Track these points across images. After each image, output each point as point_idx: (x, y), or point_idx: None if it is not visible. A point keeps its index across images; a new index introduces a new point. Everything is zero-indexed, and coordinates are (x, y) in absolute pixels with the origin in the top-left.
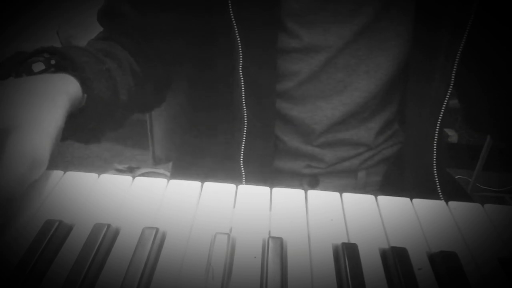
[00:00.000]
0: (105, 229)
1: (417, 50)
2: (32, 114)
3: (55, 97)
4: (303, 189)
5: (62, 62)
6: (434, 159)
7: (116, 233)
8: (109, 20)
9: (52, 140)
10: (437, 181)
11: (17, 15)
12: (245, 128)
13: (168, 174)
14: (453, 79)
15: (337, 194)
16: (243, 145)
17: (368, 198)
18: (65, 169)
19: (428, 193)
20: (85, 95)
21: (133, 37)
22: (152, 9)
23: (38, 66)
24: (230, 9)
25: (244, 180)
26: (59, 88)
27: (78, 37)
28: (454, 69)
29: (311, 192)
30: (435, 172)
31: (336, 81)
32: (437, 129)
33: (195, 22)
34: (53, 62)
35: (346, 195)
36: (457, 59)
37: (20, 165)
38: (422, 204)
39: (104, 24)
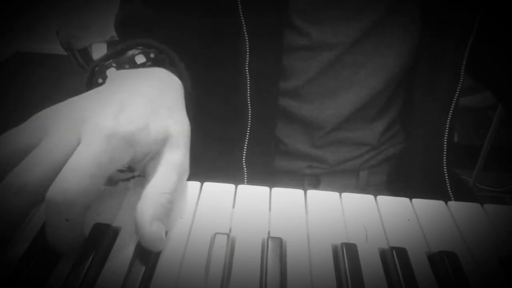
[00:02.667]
0: (105, 229)
1: (425, 47)
2: (179, 125)
3: (181, 98)
4: (304, 189)
5: (160, 56)
6: (445, 158)
7: (116, 233)
8: (133, 29)
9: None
10: (447, 181)
11: (17, 15)
12: (249, 127)
13: None
14: (462, 73)
15: (336, 194)
16: (246, 144)
17: (368, 198)
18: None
19: (436, 192)
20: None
21: (162, 43)
22: (168, 10)
23: (140, 59)
24: (240, 7)
25: (246, 180)
26: (179, 86)
27: (78, 38)
28: (464, 63)
29: (310, 192)
30: (445, 171)
31: (344, 79)
32: (447, 127)
33: (205, 22)
34: (152, 55)
35: (345, 195)
36: (467, 52)
37: (176, 179)
38: (422, 204)
39: (127, 34)
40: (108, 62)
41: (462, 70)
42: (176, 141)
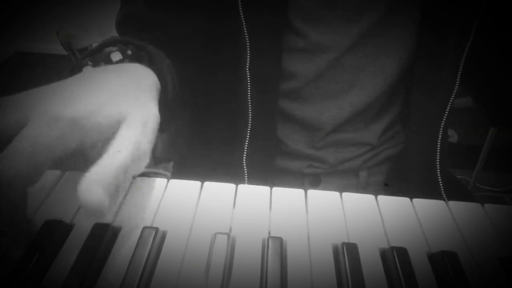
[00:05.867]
0: (105, 228)
1: (423, 49)
2: (138, 110)
3: (152, 91)
4: (304, 188)
5: (137, 52)
6: (438, 159)
7: (116, 232)
8: (133, 28)
9: (154, 136)
10: (440, 181)
11: (17, 15)
12: (249, 127)
13: (168, 174)
14: (459, 75)
15: (337, 193)
16: (246, 144)
17: (368, 198)
18: (65, 169)
19: (431, 192)
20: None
21: (162, 43)
22: (170, 10)
23: (116, 56)
24: (240, 9)
25: (246, 180)
26: (152, 80)
27: (78, 38)
28: (461, 67)
29: (311, 192)
30: (438, 172)
31: (343, 81)
32: (441, 129)
33: (206, 23)
34: (129, 52)
35: (346, 194)
36: (464, 55)
37: (126, 156)
38: (422, 204)
39: (127, 33)
40: (85, 60)
41: (460, 71)
42: (130, 124)
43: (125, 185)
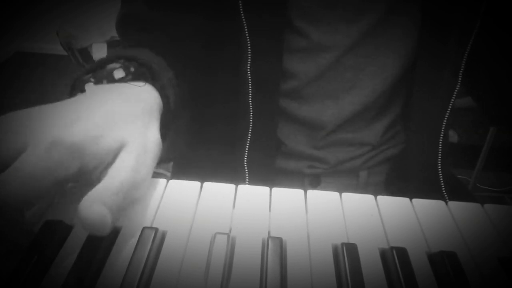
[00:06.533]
0: None
1: (424, 49)
2: (139, 135)
3: (153, 112)
4: (304, 188)
5: (140, 69)
6: (439, 159)
7: (116, 233)
8: (133, 29)
9: (155, 160)
10: (441, 181)
11: (17, 15)
12: (250, 128)
13: (168, 174)
14: (461, 74)
15: (336, 194)
16: (247, 144)
17: (368, 198)
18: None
19: (431, 192)
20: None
21: (162, 43)
22: (170, 10)
23: (119, 73)
24: (241, 8)
25: (247, 180)
26: (154, 101)
27: (78, 38)
28: (462, 67)
29: (310, 192)
30: (440, 172)
31: (344, 80)
32: (442, 129)
33: (207, 23)
34: (132, 69)
35: (345, 195)
36: (465, 55)
37: (124, 179)
38: (422, 204)
39: (127, 34)
40: (87, 77)
41: (461, 71)
42: (130, 149)
43: (125, 208)
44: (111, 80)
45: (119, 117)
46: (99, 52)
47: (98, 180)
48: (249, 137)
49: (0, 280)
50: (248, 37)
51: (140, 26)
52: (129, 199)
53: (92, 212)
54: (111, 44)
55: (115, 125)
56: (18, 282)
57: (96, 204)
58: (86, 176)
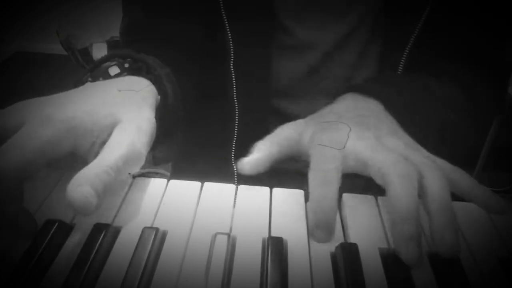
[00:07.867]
0: (105, 229)
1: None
2: (133, 113)
3: (148, 98)
4: (304, 189)
5: (135, 64)
6: None
7: (116, 233)
8: (135, 36)
9: (149, 138)
10: None
11: (17, 15)
12: (236, 128)
13: (168, 174)
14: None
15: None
16: (234, 143)
17: (368, 198)
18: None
19: None
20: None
21: (157, 45)
22: (161, 17)
23: (114, 70)
24: (222, 6)
25: (236, 180)
26: (148, 88)
27: (78, 38)
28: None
29: None
30: None
31: (334, 77)
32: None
33: (193, 28)
34: (126, 65)
35: (346, 195)
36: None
37: (117, 157)
38: None
39: (129, 41)
40: (85, 77)
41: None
42: (125, 126)
43: (120, 185)
44: (107, 77)
45: (112, 98)
46: (99, 52)
47: (93, 159)
48: (235, 135)
49: (0, 280)
50: (230, 35)
51: (141, 34)
52: (123, 176)
53: (76, 193)
54: (111, 44)
55: (108, 104)
56: (18, 282)
57: (81, 187)
58: (83, 154)
